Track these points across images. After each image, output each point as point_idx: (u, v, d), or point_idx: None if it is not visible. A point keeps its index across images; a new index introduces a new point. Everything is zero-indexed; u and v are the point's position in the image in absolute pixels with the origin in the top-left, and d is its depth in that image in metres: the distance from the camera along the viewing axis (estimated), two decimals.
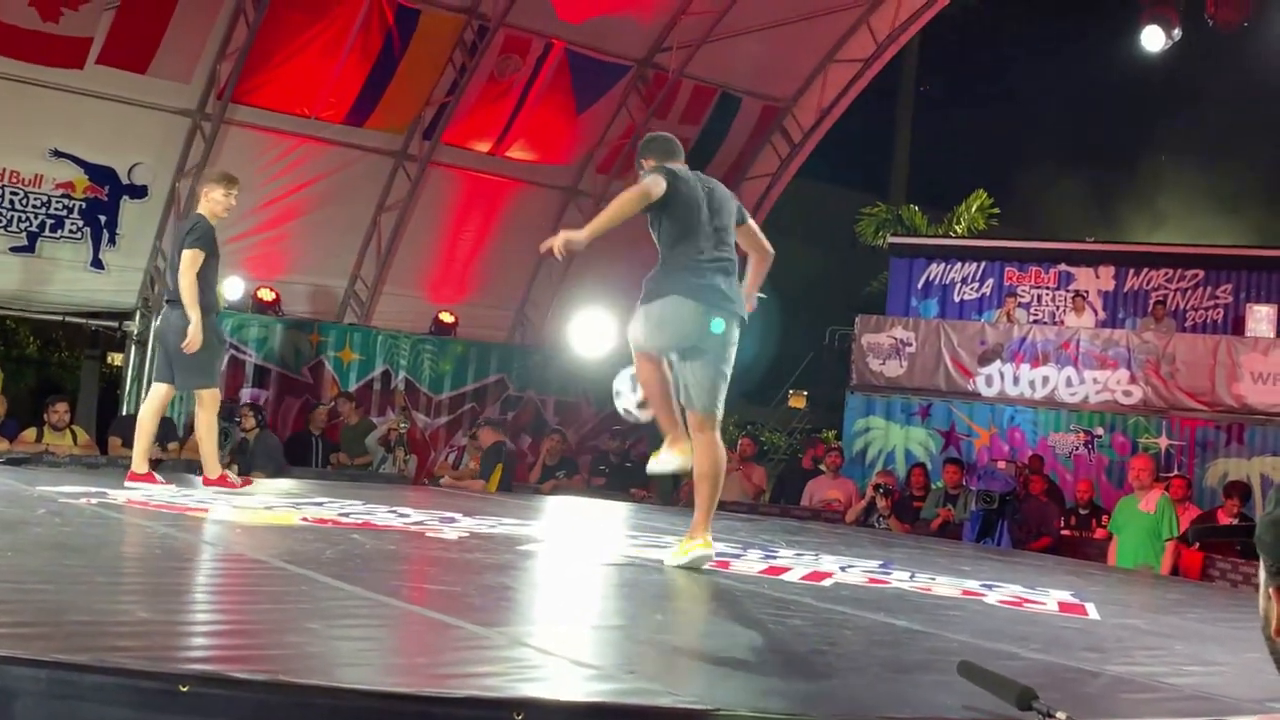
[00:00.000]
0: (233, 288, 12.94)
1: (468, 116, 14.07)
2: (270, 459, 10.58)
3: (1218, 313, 15.29)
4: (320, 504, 6.87)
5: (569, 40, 13.93)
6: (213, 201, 7.26)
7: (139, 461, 7.19)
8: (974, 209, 21.67)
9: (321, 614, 3.52)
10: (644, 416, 5.47)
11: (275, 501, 6.95)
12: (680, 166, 5.33)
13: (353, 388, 13.71)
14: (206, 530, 5.64)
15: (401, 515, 6.57)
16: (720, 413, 5.20)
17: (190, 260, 7.02)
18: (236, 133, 13.21)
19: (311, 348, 13.74)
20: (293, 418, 13.30)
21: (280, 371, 13.52)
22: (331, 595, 3.85)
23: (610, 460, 12.93)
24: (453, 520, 6.48)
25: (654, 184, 5.07)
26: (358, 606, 3.74)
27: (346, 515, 6.33)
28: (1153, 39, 13.54)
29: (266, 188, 13.29)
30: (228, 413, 9.48)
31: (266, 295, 13.51)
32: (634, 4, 14.05)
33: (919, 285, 16.52)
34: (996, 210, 21.64)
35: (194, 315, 6.99)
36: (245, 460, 10.38)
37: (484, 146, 14.41)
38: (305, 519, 6.04)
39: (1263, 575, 1.54)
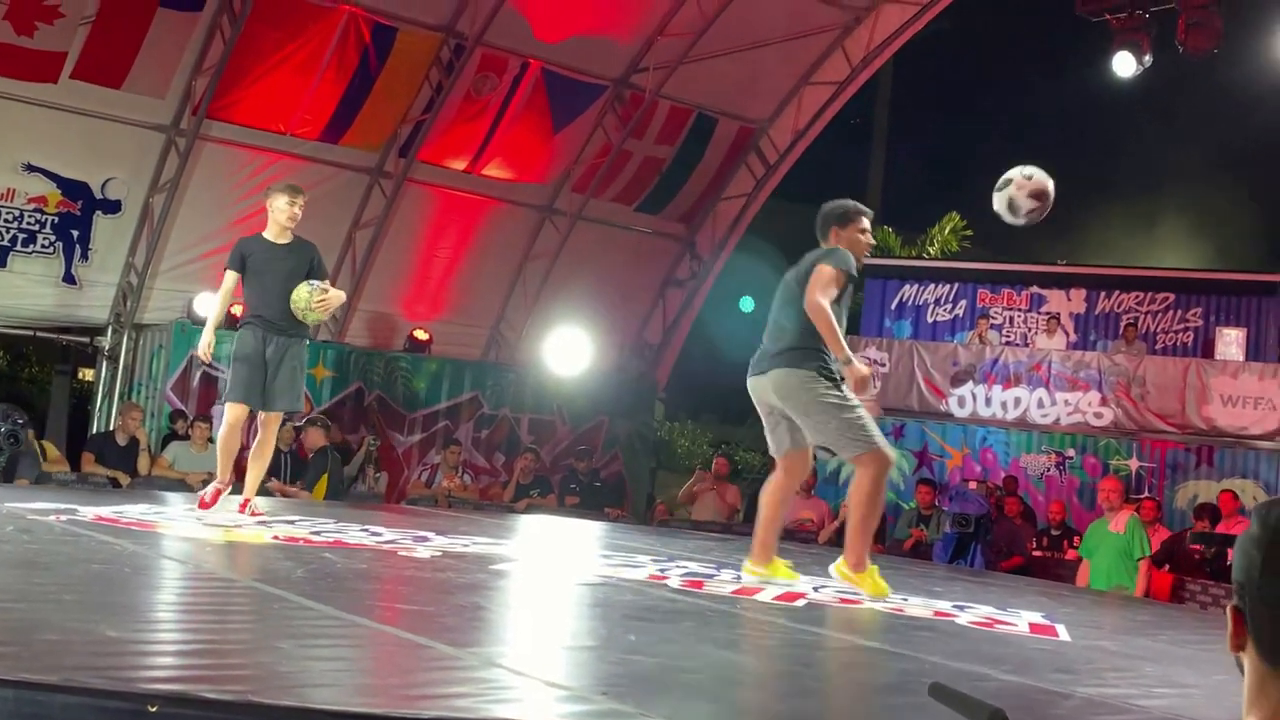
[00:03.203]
0: (204, 304, 12.86)
1: (444, 134, 14.07)
2: (30, 469, 10.27)
3: (1188, 336, 15.41)
4: (291, 522, 6.84)
5: (546, 59, 13.97)
6: (275, 210, 7.17)
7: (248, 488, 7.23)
8: (947, 231, 21.83)
9: (292, 633, 3.51)
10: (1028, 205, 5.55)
11: (245, 520, 6.90)
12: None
13: (325, 405, 13.65)
14: (176, 548, 5.60)
15: (374, 534, 6.54)
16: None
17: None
18: (211, 149, 13.16)
19: None
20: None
21: None
22: (303, 614, 3.83)
23: (579, 479, 12.89)
24: (425, 539, 6.46)
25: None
26: (329, 626, 3.72)
27: (318, 534, 6.30)
28: (1124, 65, 13.66)
29: (241, 204, 13.23)
30: (1, 415, 9.27)
31: (239, 311, 13.39)
32: (611, 25, 14.10)
33: (892, 306, 16.60)
34: (970, 232, 21.81)
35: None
36: (8, 469, 9.81)
37: (460, 164, 14.41)
38: (276, 537, 6.01)
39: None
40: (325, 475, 10.77)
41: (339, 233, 14.13)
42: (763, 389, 5.62)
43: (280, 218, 7.14)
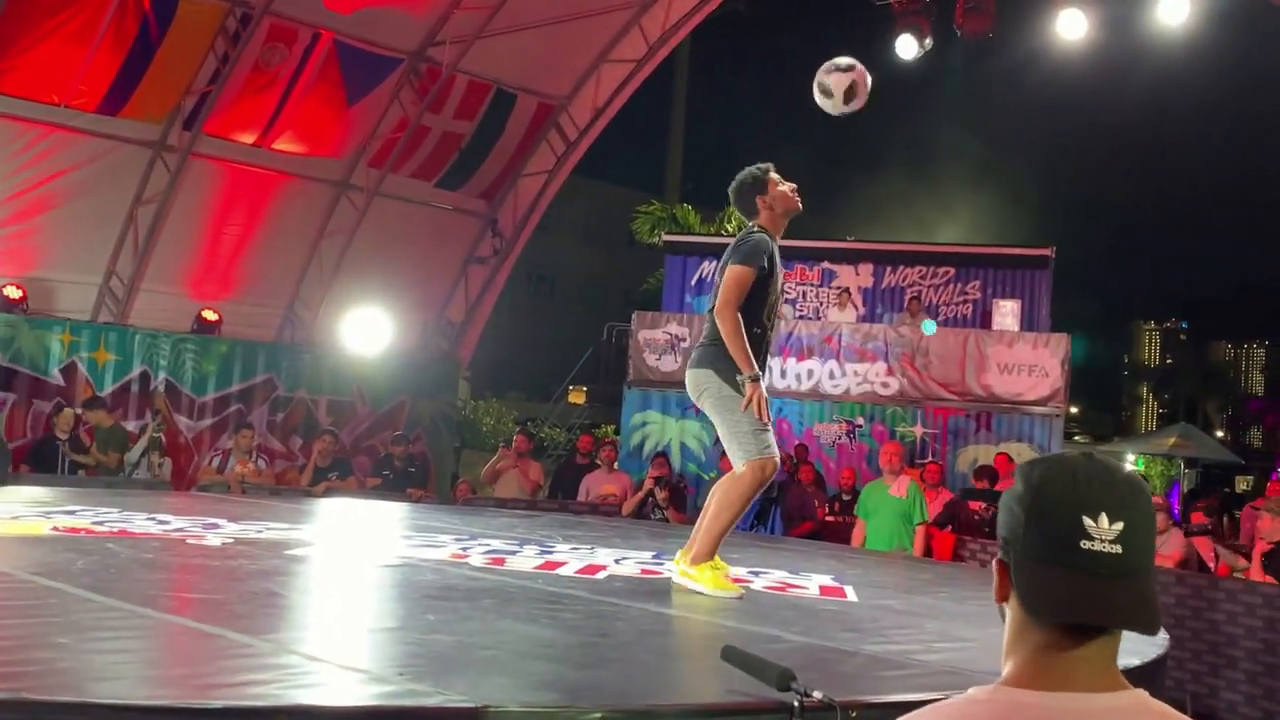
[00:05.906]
0: None
1: (231, 107, 13.56)
2: None
3: (967, 308, 16.21)
4: (72, 512, 6.52)
5: (338, 31, 13.61)
6: None
7: None
8: None
9: (72, 627, 3.36)
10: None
11: (23, 510, 6.55)
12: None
13: (109, 390, 13.05)
14: None
15: (161, 522, 6.30)
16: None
17: None
18: None
19: (63, 348, 13.02)
20: (44, 422, 12.56)
21: (29, 373, 12.79)
22: (83, 608, 3.68)
23: (395, 465, 12.51)
24: (216, 526, 6.26)
25: None
26: (112, 618, 3.58)
27: (101, 523, 6.04)
28: (906, 48, 14.16)
29: (13, 179, 12.52)
30: None
31: (13, 293, 12.77)
32: None
33: (693, 282, 16.90)
34: None
35: None
36: None
37: (249, 138, 13.92)
38: (56, 528, 5.73)
39: None
40: None
41: (120, 209, 13.51)
42: (688, 384, 5.20)
43: None
